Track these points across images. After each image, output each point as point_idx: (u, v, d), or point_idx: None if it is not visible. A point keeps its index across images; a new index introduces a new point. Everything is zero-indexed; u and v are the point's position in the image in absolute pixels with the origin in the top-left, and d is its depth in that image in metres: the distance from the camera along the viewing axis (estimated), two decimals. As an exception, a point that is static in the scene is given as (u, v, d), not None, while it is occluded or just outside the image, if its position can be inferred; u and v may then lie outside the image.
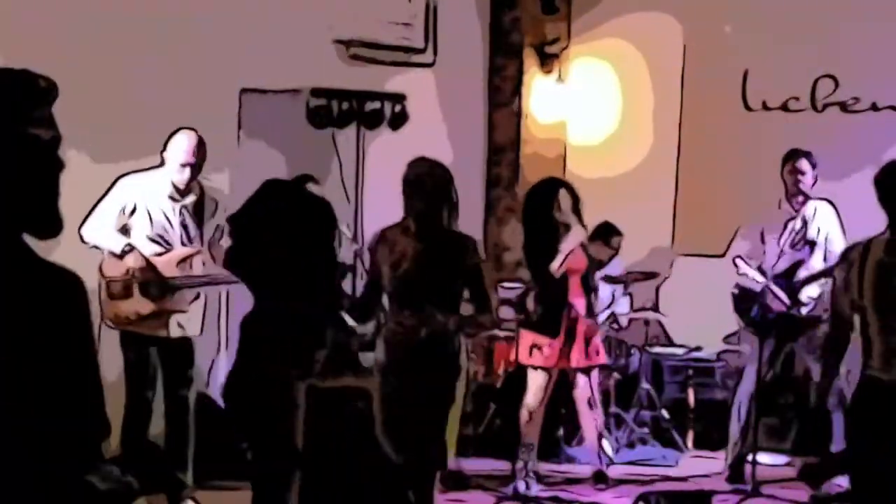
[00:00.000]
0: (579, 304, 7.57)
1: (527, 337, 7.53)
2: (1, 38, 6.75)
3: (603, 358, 7.79)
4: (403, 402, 5.70)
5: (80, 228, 6.39)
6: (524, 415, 7.55)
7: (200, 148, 6.59)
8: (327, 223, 5.31)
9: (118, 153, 6.86)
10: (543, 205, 7.51)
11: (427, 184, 5.79)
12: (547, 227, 7.45)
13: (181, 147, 6.56)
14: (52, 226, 2.32)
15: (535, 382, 7.54)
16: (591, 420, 7.70)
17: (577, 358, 7.53)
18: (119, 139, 6.95)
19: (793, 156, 7.77)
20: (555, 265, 7.43)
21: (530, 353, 7.51)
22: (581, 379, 7.63)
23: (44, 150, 2.31)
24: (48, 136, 2.31)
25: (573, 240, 7.46)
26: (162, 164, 6.62)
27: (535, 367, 7.52)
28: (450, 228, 5.81)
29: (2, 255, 2.26)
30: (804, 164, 7.72)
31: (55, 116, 2.33)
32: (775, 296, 7.67)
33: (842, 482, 6.93)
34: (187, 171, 6.57)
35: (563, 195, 7.51)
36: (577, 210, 7.53)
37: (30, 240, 2.31)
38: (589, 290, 7.67)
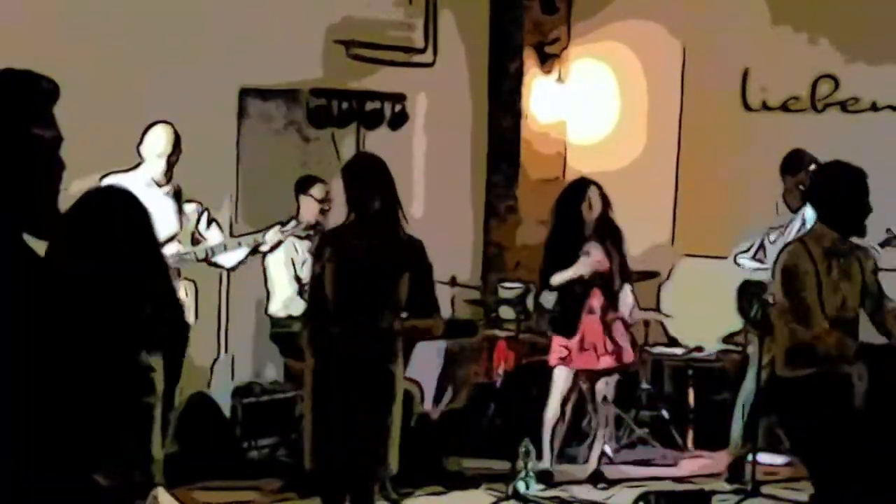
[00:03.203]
0: (597, 305, 7.56)
1: (556, 340, 7.57)
2: (1, 38, 6.75)
3: (628, 358, 7.67)
4: (337, 411, 5.46)
5: None
6: (549, 416, 7.58)
7: (177, 141, 6.85)
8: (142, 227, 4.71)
9: (117, 153, 6.86)
10: (574, 202, 7.50)
11: (377, 179, 5.56)
12: (574, 225, 7.46)
13: (159, 139, 6.83)
14: (52, 226, 2.32)
15: (558, 384, 7.58)
16: (603, 420, 7.73)
17: (598, 359, 7.54)
18: (118, 139, 6.95)
19: (806, 161, 7.70)
20: (555, 279, 7.46)
21: (557, 355, 7.56)
22: (599, 380, 7.66)
23: (45, 150, 2.31)
24: (49, 136, 2.32)
25: (583, 264, 7.44)
26: (140, 158, 6.84)
27: (559, 368, 7.57)
28: (400, 228, 5.60)
29: (3, 254, 2.26)
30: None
31: (56, 117, 2.34)
32: None
33: None
34: (164, 161, 6.82)
35: (594, 192, 7.50)
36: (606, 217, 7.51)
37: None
38: (610, 292, 7.59)
